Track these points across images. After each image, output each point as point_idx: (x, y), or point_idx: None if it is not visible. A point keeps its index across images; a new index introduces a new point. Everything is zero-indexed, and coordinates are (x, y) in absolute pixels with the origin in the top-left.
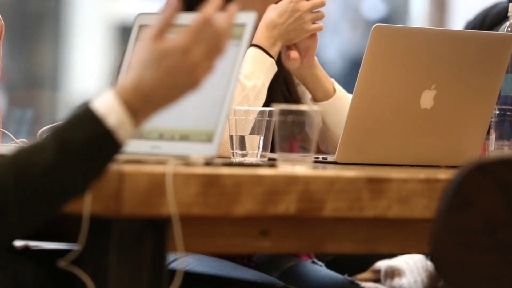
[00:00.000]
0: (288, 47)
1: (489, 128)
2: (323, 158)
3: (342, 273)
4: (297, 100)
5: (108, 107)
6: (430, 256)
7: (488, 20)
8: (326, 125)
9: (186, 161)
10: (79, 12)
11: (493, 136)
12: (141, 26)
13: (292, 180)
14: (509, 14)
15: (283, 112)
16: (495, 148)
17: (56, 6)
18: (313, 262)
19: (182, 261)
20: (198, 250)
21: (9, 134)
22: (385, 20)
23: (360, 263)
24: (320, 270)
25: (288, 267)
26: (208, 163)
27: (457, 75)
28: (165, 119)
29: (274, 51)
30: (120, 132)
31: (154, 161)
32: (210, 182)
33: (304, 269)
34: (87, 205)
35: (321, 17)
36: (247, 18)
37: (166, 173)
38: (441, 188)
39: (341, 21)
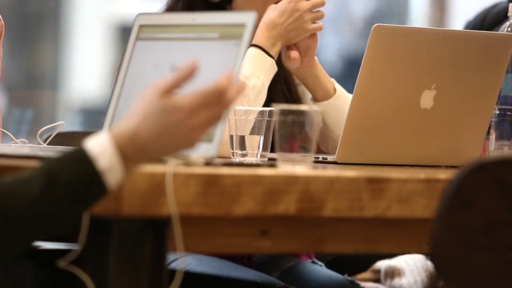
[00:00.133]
0: (288, 47)
1: (489, 128)
2: (323, 158)
3: (342, 273)
4: (297, 100)
5: (102, 149)
6: (430, 256)
7: (488, 20)
8: (326, 125)
9: (186, 161)
10: (79, 12)
11: (493, 136)
12: (141, 26)
13: (292, 180)
14: (509, 14)
15: (283, 112)
16: (495, 148)
17: (56, 6)
18: (313, 262)
19: (182, 261)
20: (198, 250)
21: (9, 134)
22: (385, 20)
23: (360, 263)
24: (320, 270)
25: (288, 267)
26: (208, 163)
27: (457, 75)
28: None
29: (274, 51)
30: (108, 175)
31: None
32: (210, 182)
33: (304, 269)
34: None
35: (321, 16)
36: (247, 18)
37: (166, 173)
38: (441, 188)
39: (339, 21)
